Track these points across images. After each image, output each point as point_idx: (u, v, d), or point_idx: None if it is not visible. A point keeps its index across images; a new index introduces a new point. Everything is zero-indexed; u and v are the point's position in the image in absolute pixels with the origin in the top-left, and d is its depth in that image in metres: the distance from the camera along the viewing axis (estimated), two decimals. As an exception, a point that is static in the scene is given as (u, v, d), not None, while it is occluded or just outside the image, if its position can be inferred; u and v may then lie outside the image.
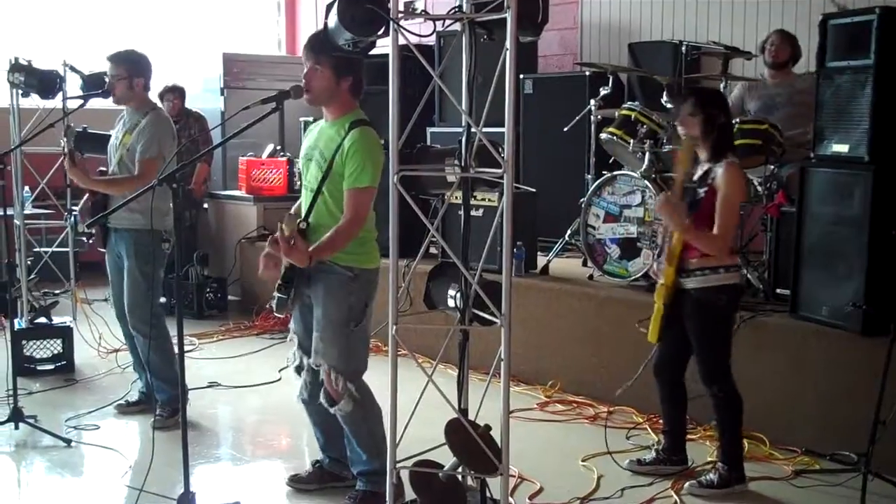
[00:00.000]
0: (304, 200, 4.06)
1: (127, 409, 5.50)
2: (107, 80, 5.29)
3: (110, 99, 5.33)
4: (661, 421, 4.76)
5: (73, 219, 6.50)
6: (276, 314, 4.13)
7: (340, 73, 3.90)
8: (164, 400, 5.28)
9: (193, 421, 5.23)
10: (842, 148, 4.83)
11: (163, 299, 7.76)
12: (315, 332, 4.01)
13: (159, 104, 7.45)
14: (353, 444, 4.14)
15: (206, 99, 9.80)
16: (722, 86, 6.05)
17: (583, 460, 4.75)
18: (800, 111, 5.93)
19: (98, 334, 6.67)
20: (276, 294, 3.97)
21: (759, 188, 5.78)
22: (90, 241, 5.32)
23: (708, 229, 4.19)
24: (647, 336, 4.45)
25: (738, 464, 4.36)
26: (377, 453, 4.03)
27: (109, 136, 5.43)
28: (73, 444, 4.96)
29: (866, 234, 4.61)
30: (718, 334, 4.34)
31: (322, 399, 4.07)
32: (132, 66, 5.26)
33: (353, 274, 3.96)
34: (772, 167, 5.71)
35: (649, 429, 5.12)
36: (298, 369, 4.24)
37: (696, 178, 4.32)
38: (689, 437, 4.71)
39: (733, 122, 5.64)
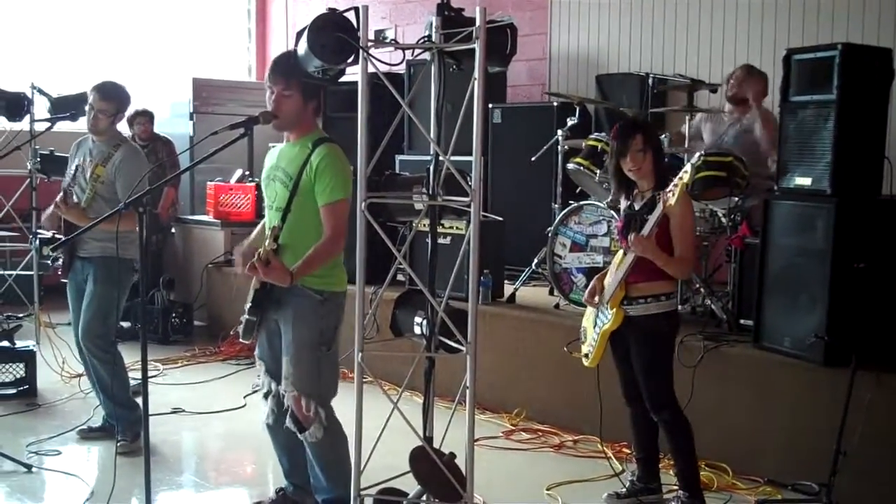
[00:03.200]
0: (270, 220, 4.04)
1: (89, 434, 5.44)
2: (86, 108, 5.18)
3: (77, 123, 5.27)
4: (628, 450, 4.77)
5: (37, 242, 6.44)
6: (242, 340, 4.09)
7: (308, 96, 3.91)
8: (123, 425, 5.24)
9: (156, 447, 5.18)
10: (805, 181, 4.89)
11: (127, 324, 7.74)
12: (285, 356, 3.98)
13: (127, 129, 7.40)
14: (318, 471, 4.11)
15: (174, 123, 9.77)
16: (687, 117, 6.12)
17: (548, 489, 4.74)
18: (746, 149, 5.91)
19: (61, 359, 6.60)
20: (245, 317, 3.95)
21: (724, 220, 5.84)
22: (54, 265, 5.25)
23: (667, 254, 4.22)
24: (580, 361, 4.46)
25: (697, 490, 4.37)
26: (342, 482, 3.98)
27: None
28: (33, 469, 4.89)
29: (828, 266, 4.67)
30: (663, 361, 4.34)
31: (289, 424, 4.04)
32: (121, 104, 5.21)
33: (322, 297, 3.94)
34: (736, 199, 5.77)
35: (613, 457, 5.14)
36: (266, 395, 4.21)
37: (637, 207, 4.32)
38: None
39: (699, 154, 5.71)
